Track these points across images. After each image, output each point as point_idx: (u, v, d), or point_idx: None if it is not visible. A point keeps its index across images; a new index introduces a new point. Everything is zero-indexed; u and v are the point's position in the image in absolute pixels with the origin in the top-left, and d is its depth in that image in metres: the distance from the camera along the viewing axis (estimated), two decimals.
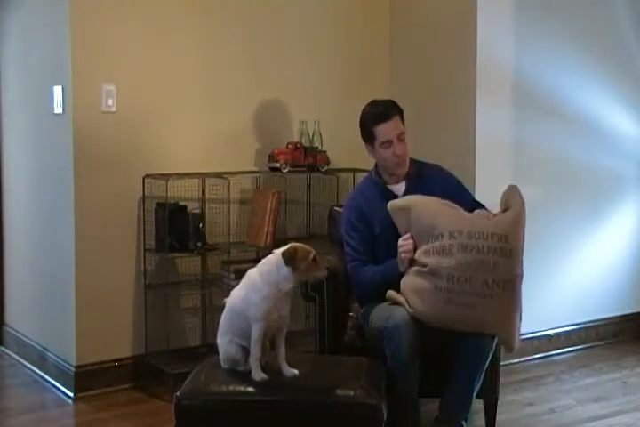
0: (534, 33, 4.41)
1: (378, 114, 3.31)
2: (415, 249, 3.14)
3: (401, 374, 2.97)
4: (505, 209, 3.14)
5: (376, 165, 3.44)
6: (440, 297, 3.00)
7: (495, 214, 3.13)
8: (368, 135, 3.35)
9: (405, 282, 3.13)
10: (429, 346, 3.04)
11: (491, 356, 3.10)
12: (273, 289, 2.75)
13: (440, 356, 3.10)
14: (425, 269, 3.05)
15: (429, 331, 3.03)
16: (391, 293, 3.16)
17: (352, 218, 3.37)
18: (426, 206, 3.17)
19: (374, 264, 3.30)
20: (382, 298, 3.21)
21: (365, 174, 3.58)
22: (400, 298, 3.12)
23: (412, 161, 3.40)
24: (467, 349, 3.04)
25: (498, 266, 2.98)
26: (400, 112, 3.35)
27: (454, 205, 3.19)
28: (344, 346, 3.35)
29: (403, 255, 3.16)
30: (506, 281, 2.99)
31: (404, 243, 3.16)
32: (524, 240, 3.07)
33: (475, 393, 3.09)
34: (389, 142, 3.29)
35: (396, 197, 3.33)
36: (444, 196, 3.23)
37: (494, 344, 3.10)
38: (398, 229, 3.21)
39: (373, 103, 3.38)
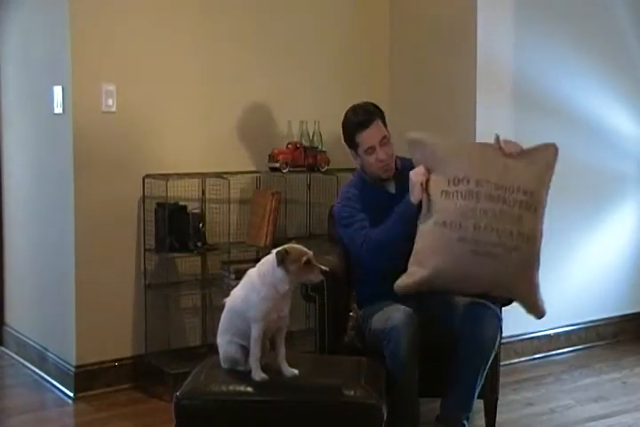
0: (534, 33, 4.41)
1: (359, 122, 3.30)
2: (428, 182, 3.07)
3: (400, 374, 2.97)
4: (533, 152, 3.10)
5: (363, 168, 3.43)
6: (466, 247, 2.95)
7: (520, 153, 3.08)
8: (351, 142, 3.35)
9: (423, 238, 3.03)
10: (429, 346, 3.04)
11: (493, 356, 3.10)
12: (271, 290, 2.75)
13: (440, 356, 3.11)
14: (447, 220, 2.97)
15: (429, 331, 3.04)
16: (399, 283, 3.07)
17: (349, 204, 3.33)
18: (449, 145, 3.13)
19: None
20: (383, 295, 3.19)
21: (352, 176, 3.54)
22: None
23: (397, 158, 3.40)
24: (468, 348, 3.04)
25: (522, 219, 2.97)
26: (381, 116, 3.34)
27: (486, 145, 3.14)
28: (344, 346, 3.35)
29: (414, 179, 3.08)
30: (530, 236, 2.99)
31: (417, 171, 3.10)
32: (547, 195, 3.07)
33: (477, 392, 3.10)
34: (372, 148, 3.29)
35: (387, 192, 3.34)
36: None
37: (497, 344, 3.09)
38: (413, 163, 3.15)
39: (354, 110, 3.36)
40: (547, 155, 3.13)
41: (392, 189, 3.37)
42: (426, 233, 3.04)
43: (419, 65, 4.61)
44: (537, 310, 3.11)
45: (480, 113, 4.25)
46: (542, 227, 3.06)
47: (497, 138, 3.14)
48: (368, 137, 3.29)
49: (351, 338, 3.38)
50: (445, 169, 3.04)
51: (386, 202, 3.27)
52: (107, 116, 3.94)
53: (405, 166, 3.33)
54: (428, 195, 3.05)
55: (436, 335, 3.09)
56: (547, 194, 3.08)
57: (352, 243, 3.30)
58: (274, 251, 2.80)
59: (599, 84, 4.70)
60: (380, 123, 3.32)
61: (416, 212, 3.09)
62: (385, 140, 3.31)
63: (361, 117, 3.31)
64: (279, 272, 2.74)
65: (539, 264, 3.08)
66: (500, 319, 3.15)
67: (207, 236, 4.09)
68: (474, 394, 3.09)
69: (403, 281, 3.04)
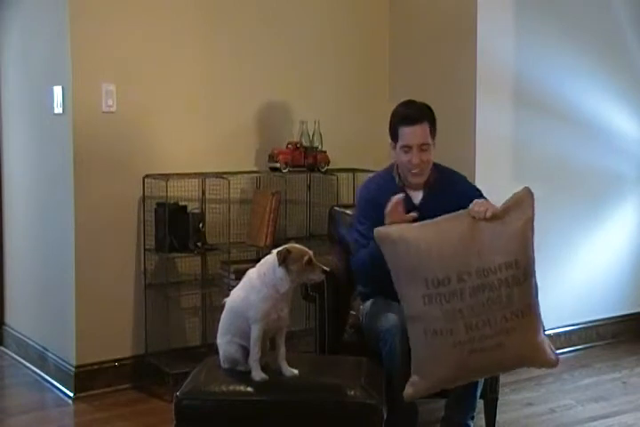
0: (534, 33, 4.41)
1: (406, 115, 3.19)
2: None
3: (396, 375, 2.96)
4: (507, 209, 2.91)
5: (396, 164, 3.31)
6: (463, 351, 2.80)
7: (493, 215, 2.88)
8: (393, 134, 3.23)
9: (417, 347, 2.87)
10: None
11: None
12: (271, 290, 2.75)
13: None
14: (437, 328, 2.80)
15: None
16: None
17: (365, 206, 3.29)
18: (417, 239, 2.89)
19: None
20: (383, 292, 3.17)
21: (385, 166, 3.41)
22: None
23: (436, 168, 3.27)
24: None
25: (512, 297, 2.81)
26: (431, 121, 3.21)
27: (455, 220, 2.93)
28: (344, 344, 3.35)
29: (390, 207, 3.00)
30: (524, 307, 2.84)
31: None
32: (533, 250, 2.90)
33: (479, 392, 3.09)
34: (409, 148, 3.17)
35: (410, 201, 3.20)
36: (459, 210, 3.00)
37: None
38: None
39: (407, 103, 3.25)
40: (522, 207, 2.93)
41: (417, 199, 3.25)
42: (419, 343, 2.88)
43: (419, 65, 4.61)
44: (549, 363, 2.95)
45: (480, 113, 4.25)
46: (534, 278, 2.89)
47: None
48: (410, 135, 3.17)
49: (350, 336, 3.39)
50: (421, 271, 2.85)
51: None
52: (107, 116, 3.94)
53: (442, 179, 3.23)
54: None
55: None
56: (532, 245, 2.89)
57: (353, 247, 3.32)
58: (274, 251, 2.81)
59: (599, 85, 4.69)
60: (427, 127, 3.18)
61: None
62: (425, 147, 3.17)
63: (411, 112, 3.20)
64: (279, 272, 2.75)
65: (541, 321, 2.93)
66: None
67: (207, 236, 4.09)
68: (476, 393, 3.09)
69: (407, 392, 2.88)
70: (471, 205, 2.96)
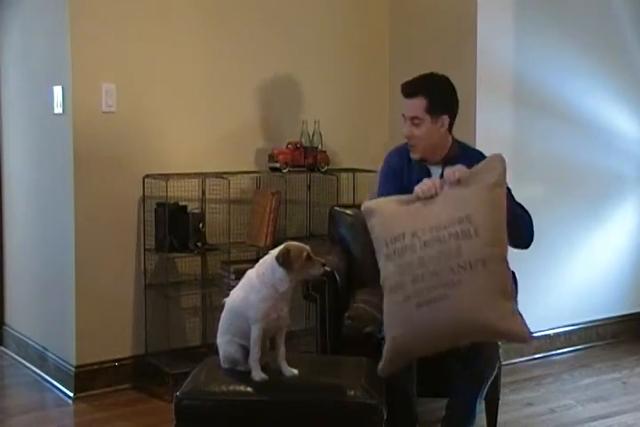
0: (534, 33, 4.41)
1: (403, 87, 3.14)
2: None
3: (395, 375, 2.93)
4: (474, 172, 2.88)
5: None
6: (411, 305, 2.73)
7: (460, 177, 2.85)
8: None
9: (385, 312, 2.85)
10: None
11: (490, 381, 3.02)
12: (270, 290, 2.75)
13: (439, 356, 3.09)
14: (392, 284, 2.80)
15: None
16: None
17: (387, 173, 3.27)
18: (395, 204, 2.94)
19: None
20: None
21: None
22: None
23: (458, 145, 3.22)
24: (464, 379, 2.98)
25: (461, 249, 2.72)
26: (431, 96, 3.08)
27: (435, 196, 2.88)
28: (343, 340, 3.34)
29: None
30: (473, 261, 2.71)
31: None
32: (503, 215, 2.80)
33: (478, 405, 3.04)
34: (404, 118, 3.14)
35: (429, 173, 3.15)
36: None
37: (494, 371, 3.02)
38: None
39: (419, 76, 3.15)
40: (489, 171, 2.88)
41: (436, 174, 3.13)
42: (385, 306, 2.86)
43: (419, 65, 4.59)
44: (518, 336, 2.76)
45: (480, 113, 4.25)
46: (499, 246, 2.77)
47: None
48: (404, 106, 3.12)
49: (347, 327, 3.36)
50: (384, 235, 2.88)
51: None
52: (107, 116, 3.94)
53: (462, 156, 3.10)
54: None
55: None
56: (500, 209, 2.81)
57: None
58: (272, 251, 2.81)
59: (599, 85, 4.69)
60: (422, 102, 3.07)
61: None
62: (416, 121, 3.09)
63: (407, 84, 3.13)
64: (279, 272, 2.75)
65: (504, 287, 2.75)
66: (499, 346, 3.04)
67: (207, 236, 4.09)
68: (474, 411, 3.03)
69: (379, 366, 2.86)
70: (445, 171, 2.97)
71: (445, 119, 3.13)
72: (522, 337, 2.75)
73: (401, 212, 2.91)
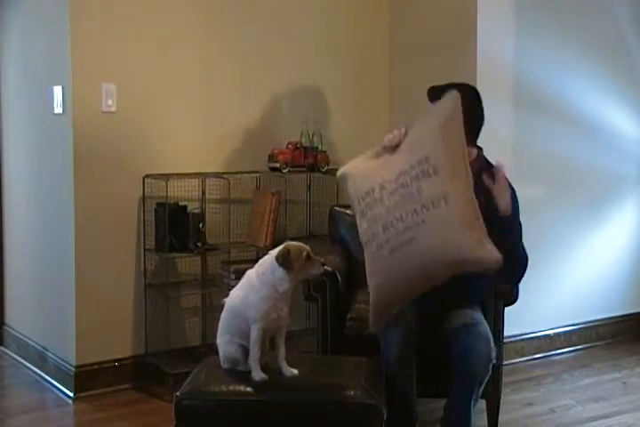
0: (534, 33, 4.41)
1: (430, 90, 3.22)
2: None
3: (393, 375, 2.95)
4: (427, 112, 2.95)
5: None
6: (384, 252, 2.81)
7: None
8: None
9: (366, 266, 2.95)
10: (428, 346, 3.03)
11: (485, 382, 3.01)
12: (270, 290, 2.75)
13: (438, 356, 3.09)
14: (366, 238, 2.89)
15: (427, 330, 3.03)
16: None
17: None
18: (363, 168, 3.02)
19: None
20: None
21: None
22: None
23: (481, 158, 3.21)
24: (459, 379, 2.98)
25: (421, 190, 2.77)
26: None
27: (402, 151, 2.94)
28: (344, 340, 3.35)
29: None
30: (435, 200, 2.74)
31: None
32: (461, 144, 2.82)
33: (473, 409, 3.03)
34: None
35: None
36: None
37: (488, 372, 3.00)
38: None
39: (450, 83, 3.21)
40: (441, 109, 2.90)
41: None
42: (366, 262, 2.96)
43: (419, 65, 4.61)
44: (488, 261, 2.72)
45: None
46: (461, 182, 2.76)
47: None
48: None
49: (350, 329, 3.37)
50: (356, 194, 2.97)
51: None
52: (107, 116, 3.94)
53: (484, 169, 3.11)
54: None
55: (435, 335, 3.08)
56: (456, 142, 2.81)
57: None
58: (271, 251, 2.81)
59: (599, 85, 4.69)
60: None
61: None
62: None
63: (435, 89, 3.19)
64: (278, 272, 2.75)
65: (472, 215, 2.73)
66: (491, 348, 3.01)
67: (207, 236, 4.09)
68: (470, 413, 3.02)
69: (370, 322, 2.95)
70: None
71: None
72: (491, 261, 2.73)
73: (371, 167, 3.01)
